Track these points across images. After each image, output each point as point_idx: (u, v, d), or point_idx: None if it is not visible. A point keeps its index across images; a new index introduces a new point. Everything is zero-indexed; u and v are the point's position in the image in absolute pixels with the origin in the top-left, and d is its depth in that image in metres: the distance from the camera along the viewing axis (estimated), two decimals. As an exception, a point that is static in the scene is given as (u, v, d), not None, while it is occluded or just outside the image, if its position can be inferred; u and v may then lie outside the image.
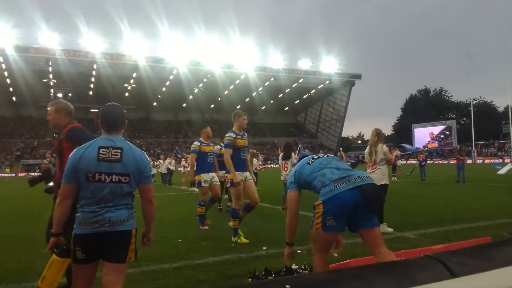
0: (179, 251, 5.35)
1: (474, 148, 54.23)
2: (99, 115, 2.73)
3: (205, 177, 7.14)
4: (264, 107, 76.00)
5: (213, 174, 7.43)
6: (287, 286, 1.21)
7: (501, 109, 74.85)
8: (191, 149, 7.41)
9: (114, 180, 2.49)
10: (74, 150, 2.57)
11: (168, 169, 21.11)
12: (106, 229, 2.45)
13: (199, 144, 7.24)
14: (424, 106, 79.76)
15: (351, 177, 2.94)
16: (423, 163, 19.07)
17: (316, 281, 1.29)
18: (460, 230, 6.20)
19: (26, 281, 4.19)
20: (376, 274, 1.34)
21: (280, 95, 73.84)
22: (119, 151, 2.54)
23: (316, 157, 3.27)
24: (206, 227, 7.08)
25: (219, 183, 7.69)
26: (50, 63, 53.07)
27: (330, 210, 2.85)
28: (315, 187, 3.05)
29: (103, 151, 2.51)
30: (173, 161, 21.92)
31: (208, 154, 7.32)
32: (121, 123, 2.68)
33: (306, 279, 1.35)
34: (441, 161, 54.73)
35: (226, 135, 5.94)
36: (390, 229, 6.32)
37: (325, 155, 3.33)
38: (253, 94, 70.29)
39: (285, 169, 9.56)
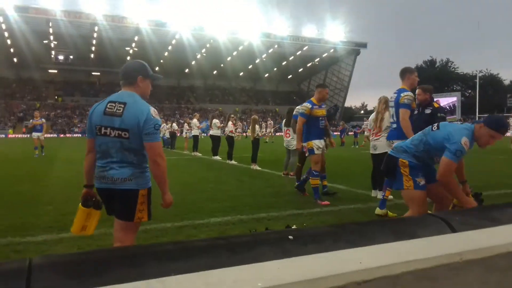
0: (180, 211, 5.41)
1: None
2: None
3: (317, 143, 6.20)
4: (267, 74, 75.04)
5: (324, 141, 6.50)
6: (290, 236, 1.22)
7: (507, 82, 73.87)
8: (300, 111, 6.42)
9: (115, 135, 2.47)
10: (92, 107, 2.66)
11: (171, 133, 21.10)
12: (109, 185, 2.51)
13: (310, 106, 6.22)
14: (429, 77, 78.43)
15: None
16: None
17: (318, 234, 1.30)
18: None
19: (30, 235, 4.27)
20: (377, 229, 1.34)
21: (283, 63, 72.71)
22: (122, 105, 2.48)
23: None
24: (326, 202, 6.03)
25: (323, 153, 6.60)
26: (50, 24, 52.07)
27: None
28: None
29: (110, 105, 2.51)
30: (175, 125, 21.87)
31: (320, 118, 6.36)
32: (128, 77, 2.61)
33: (308, 232, 1.35)
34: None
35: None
36: (390, 196, 6.35)
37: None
38: (257, 61, 69.22)
39: (287, 135, 9.50)
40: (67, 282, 0.96)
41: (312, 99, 6.30)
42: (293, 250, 1.16)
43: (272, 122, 37.12)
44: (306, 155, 6.32)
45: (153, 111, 2.52)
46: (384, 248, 0.96)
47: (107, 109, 2.49)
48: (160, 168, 2.54)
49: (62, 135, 52.26)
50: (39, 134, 15.02)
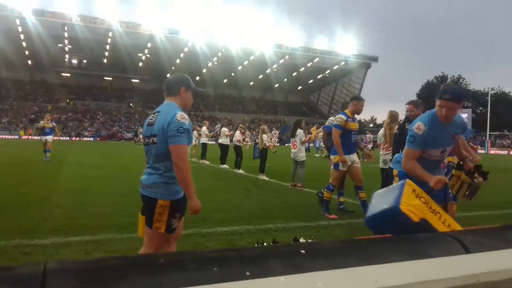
0: (187, 219, 5.39)
1: (488, 138, 53.35)
2: None
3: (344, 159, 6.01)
4: (277, 84, 75.30)
5: (355, 156, 6.30)
6: (302, 251, 1.21)
7: (519, 100, 73.09)
8: (334, 123, 6.07)
9: (150, 142, 2.63)
10: None
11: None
12: (141, 191, 2.66)
13: (345, 118, 6.00)
14: (440, 93, 78.01)
15: None
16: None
17: (329, 248, 1.29)
18: (468, 217, 6.15)
19: (38, 237, 4.30)
20: (390, 245, 1.33)
21: (294, 74, 72.95)
22: (157, 113, 2.65)
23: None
24: (334, 215, 6.00)
25: (360, 166, 6.40)
26: (66, 29, 53.01)
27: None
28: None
29: (152, 116, 2.69)
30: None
31: (353, 132, 6.16)
32: (172, 87, 2.74)
33: (320, 246, 1.34)
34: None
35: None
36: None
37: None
38: (267, 71, 69.54)
39: (294, 147, 9.52)
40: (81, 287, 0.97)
41: (347, 111, 6.08)
42: (304, 264, 1.15)
43: (277, 132, 37.05)
44: (332, 167, 6.11)
45: (179, 115, 2.52)
46: (399, 267, 0.96)
47: (149, 121, 2.70)
48: (181, 172, 2.51)
49: (75, 138, 52.58)
50: (48, 137, 14.55)
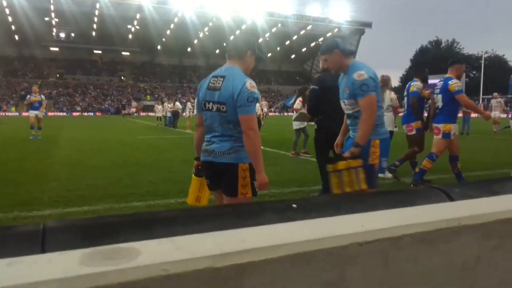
0: (184, 188, 5.45)
1: (481, 102, 53.57)
2: None
3: (454, 128, 5.51)
4: (270, 54, 74.32)
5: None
6: (293, 205, 1.25)
7: (512, 63, 72.96)
8: (458, 88, 5.41)
9: (215, 109, 2.49)
10: None
11: (174, 112, 21.11)
12: (211, 159, 2.53)
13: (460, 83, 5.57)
14: (434, 58, 77.57)
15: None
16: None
17: (320, 203, 1.34)
18: (460, 179, 6.28)
19: (36, 209, 4.35)
20: (379, 198, 1.38)
21: (287, 42, 71.97)
22: (222, 79, 2.49)
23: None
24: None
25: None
26: (51, 1, 51.48)
27: (384, 150, 2.96)
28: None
29: (213, 79, 2.54)
30: (178, 104, 21.84)
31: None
32: (239, 50, 2.61)
33: (311, 201, 1.39)
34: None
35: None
36: (390, 175, 6.43)
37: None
38: (260, 40, 68.47)
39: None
40: (80, 243, 1.01)
41: (452, 76, 5.49)
42: (297, 217, 1.20)
43: (266, 102, 36.71)
44: (439, 137, 5.48)
45: (249, 83, 2.44)
46: (385, 213, 1.00)
47: (210, 84, 2.53)
48: (251, 142, 2.41)
49: (74, 114, 52.11)
50: (37, 112, 13.22)
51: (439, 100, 5.53)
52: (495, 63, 72.58)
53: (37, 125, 13.29)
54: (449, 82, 5.34)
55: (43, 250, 0.94)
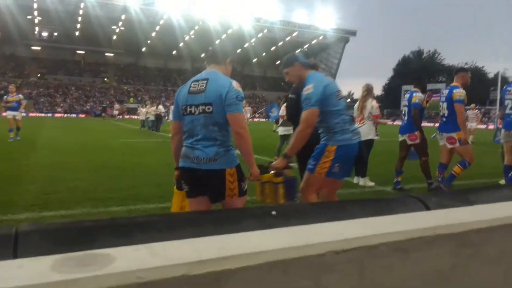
0: (164, 193, 5.42)
1: (460, 113, 54.81)
2: None
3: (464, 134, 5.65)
4: (256, 59, 74.63)
5: None
6: (273, 212, 1.26)
7: (491, 75, 75.02)
8: (462, 98, 5.47)
9: (200, 111, 2.47)
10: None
11: (157, 115, 20.93)
12: (194, 166, 2.47)
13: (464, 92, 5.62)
14: (416, 68, 79.18)
15: (357, 130, 3.22)
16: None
17: (300, 210, 1.34)
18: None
19: (11, 213, 4.24)
20: (359, 206, 1.39)
21: (272, 48, 72.37)
22: (205, 81, 2.50)
23: (339, 95, 3.17)
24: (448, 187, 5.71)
25: None
26: (34, -1, 50.64)
27: (341, 157, 3.01)
28: (331, 125, 3.05)
29: (193, 84, 2.54)
30: (161, 107, 21.64)
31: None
32: (212, 57, 2.68)
33: (291, 208, 1.39)
34: (427, 124, 55.35)
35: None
36: (372, 183, 6.50)
37: (342, 94, 3.30)
38: (246, 45, 68.71)
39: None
40: (54, 248, 0.98)
41: (458, 85, 5.64)
42: (277, 224, 1.20)
43: (250, 108, 36.68)
44: (457, 145, 5.55)
45: (235, 83, 2.50)
46: (364, 221, 1.01)
47: (191, 88, 2.53)
48: (244, 140, 2.48)
49: (57, 115, 51.07)
50: (15, 113, 12.37)
51: (444, 108, 5.66)
52: (475, 74, 74.39)
53: (15, 126, 12.56)
54: (454, 90, 5.53)
55: (15, 255, 0.91)
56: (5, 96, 12.85)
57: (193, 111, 2.48)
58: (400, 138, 6.29)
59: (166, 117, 23.64)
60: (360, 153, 6.84)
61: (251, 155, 2.58)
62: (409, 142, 6.15)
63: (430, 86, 68.63)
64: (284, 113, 9.56)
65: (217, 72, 2.57)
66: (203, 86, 2.49)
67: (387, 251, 0.90)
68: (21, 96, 12.92)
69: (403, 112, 6.37)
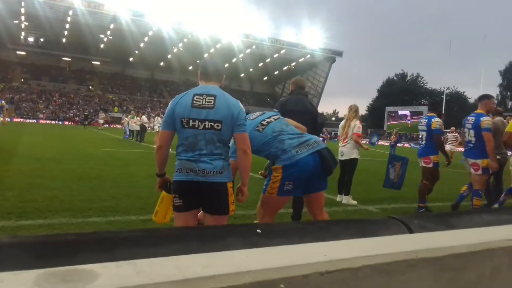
0: (146, 205, 5.35)
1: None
2: (199, 67, 2.72)
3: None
4: (243, 74, 75.15)
5: None
6: (258, 230, 1.26)
7: (471, 100, 77.15)
8: (488, 126, 5.50)
9: (207, 126, 2.46)
10: (173, 99, 2.61)
11: (141, 126, 20.80)
12: (200, 178, 2.45)
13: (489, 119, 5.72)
14: (399, 90, 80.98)
15: (309, 142, 3.06)
16: (394, 144, 19.74)
17: (285, 229, 1.35)
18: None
19: (-12, 220, 4.11)
20: (343, 227, 1.41)
21: (260, 64, 73.10)
22: (213, 98, 2.50)
23: (265, 123, 3.19)
24: None
25: None
26: (22, 4, 50.11)
27: (291, 175, 2.98)
28: (271, 153, 3.09)
29: (197, 98, 2.51)
30: (144, 118, 21.56)
31: None
32: (214, 74, 2.67)
33: (275, 227, 1.39)
34: (406, 145, 56.31)
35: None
36: (355, 202, 6.55)
37: (272, 119, 3.24)
38: (234, 60, 69.21)
39: None
40: (36, 262, 0.96)
41: (483, 112, 5.70)
42: (261, 242, 1.20)
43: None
44: (478, 172, 5.58)
45: (239, 102, 2.62)
46: (348, 243, 1.02)
47: (195, 102, 2.49)
48: (247, 159, 2.59)
49: (42, 121, 50.14)
50: None
51: (471, 135, 5.70)
52: (456, 99, 76.53)
53: None
54: (481, 118, 5.57)
55: (-7, 268, 0.89)
56: None
57: (196, 125, 2.47)
58: (420, 162, 6.29)
59: (150, 129, 23.59)
60: (344, 171, 6.87)
61: (248, 174, 2.68)
62: (421, 164, 6.19)
63: (413, 109, 70.38)
64: None
65: (220, 89, 2.61)
66: (210, 102, 2.49)
67: (371, 274, 0.91)
68: (3, 102, 12.05)
69: (420, 136, 6.40)
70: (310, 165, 2.97)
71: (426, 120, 6.22)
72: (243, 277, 0.79)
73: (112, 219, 4.53)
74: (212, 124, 2.46)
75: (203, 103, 2.49)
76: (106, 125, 39.99)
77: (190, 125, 2.47)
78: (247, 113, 2.94)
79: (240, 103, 2.60)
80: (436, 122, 6.07)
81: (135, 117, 22.50)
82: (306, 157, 2.96)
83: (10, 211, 4.54)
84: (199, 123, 2.46)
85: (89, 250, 1.02)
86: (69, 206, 5.00)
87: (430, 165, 6.08)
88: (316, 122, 4.44)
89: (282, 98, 4.97)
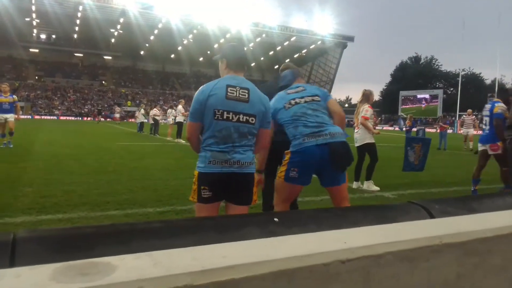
0: (162, 197, 5.40)
1: (457, 118, 55.05)
2: (225, 53, 2.63)
3: None
4: (254, 63, 74.78)
5: None
6: (275, 219, 1.24)
7: (488, 81, 75.44)
8: (499, 111, 5.78)
9: (241, 120, 2.45)
10: (199, 89, 2.54)
11: (154, 119, 20.95)
12: (235, 170, 2.44)
13: None
14: (413, 74, 79.60)
15: (322, 133, 2.99)
16: (409, 129, 19.42)
17: (302, 217, 1.32)
18: (437, 193, 6.40)
19: (8, 216, 4.20)
20: (361, 214, 1.38)
21: (271, 53, 72.59)
22: (246, 91, 2.50)
23: (293, 102, 3.16)
24: None
25: None
26: (33, 1, 50.60)
27: (295, 161, 3.00)
28: (288, 134, 3.13)
29: (230, 89, 2.46)
30: (157, 111, 21.69)
31: None
32: (243, 64, 2.66)
33: (293, 215, 1.37)
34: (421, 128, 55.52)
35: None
36: (376, 188, 6.48)
37: (303, 100, 3.17)
38: (244, 49, 68.70)
39: None
40: (53, 255, 0.96)
41: (500, 100, 5.92)
42: (279, 231, 1.18)
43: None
44: (499, 152, 5.71)
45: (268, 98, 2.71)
46: (368, 230, 0.99)
47: (229, 94, 2.44)
48: (266, 153, 2.93)
49: (62, 118, 51.24)
50: (7, 115, 10.70)
51: (487, 122, 5.99)
52: (472, 80, 74.88)
53: (8, 131, 10.87)
54: (496, 104, 5.87)
55: (12, 263, 0.89)
56: None
57: (230, 118, 2.43)
58: (481, 147, 6.18)
59: (164, 121, 23.82)
60: (360, 158, 6.78)
61: (262, 165, 3.02)
62: (490, 152, 6.04)
63: (428, 92, 69.20)
64: None
65: (251, 82, 2.60)
66: (245, 95, 2.48)
67: (393, 261, 0.88)
68: (15, 97, 11.18)
69: (484, 122, 6.30)
70: (315, 156, 2.94)
71: (490, 105, 6.10)
72: (263, 267, 0.78)
73: (130, 212, 4.58)
74: (247, 118, 2.46)
75: (237, 95, 2.45)
76: (120, 120, 40.40)
77: (225, 117, 2.42)
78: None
79: (268, 99, 2.65)
80: (499, 106, 5.95)
81: (142, 109, 23.26)
82: (311, 147, 2.93)
83: (30, 206, 4.62)
84: (234, 115, 2.43)
85: (106, 243, 1.02)
86: (87, 200, 5.07)
87: (499, 151, 5.90)
88: None
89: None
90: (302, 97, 3.20)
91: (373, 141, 6.79)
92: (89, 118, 51.65)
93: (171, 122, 19.24)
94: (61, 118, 51.83)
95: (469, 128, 16.43)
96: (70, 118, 52.63)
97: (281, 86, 3.42)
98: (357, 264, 0.86)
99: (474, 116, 17.50)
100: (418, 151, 6.15)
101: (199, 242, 0.98)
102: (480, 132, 6.25)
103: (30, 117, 48.95)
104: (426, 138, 6.21)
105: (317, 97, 3.23)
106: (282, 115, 3.16)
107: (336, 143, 2.96)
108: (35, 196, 5.16)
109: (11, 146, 10.86)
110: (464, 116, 17.73)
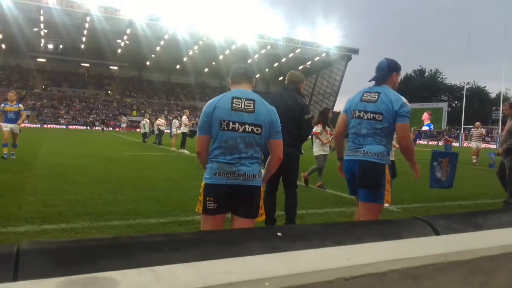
0: (166, 208, 5.39)
1: (462, 132, 54.80)
2: (230, 72, 2.73)
3: None
4: (259, 74, 75.12)
5: None
6: (278, 233, 1.23)
7: (493, 95, 75.29)
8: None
9: (247, 130, 2.48)
10: (207, 103, 2.61)
11: (159, 129, 21.01)
12: (240, 182, 2.47)
13: None
14: (417, 86, 79.62)
15: (358, 150, 3.18)
16: (413, 141, 19.33)
17: (306, 232, 1.32)
18: (442, 207, 6.36)
19: (12, 225, 4.20)
20: (365, 229, 1.37)
21: (276, 64, 72.93)
22: (252, 102, 2.53)
23: (355, 115, 3.24)
24: None
25: None
26: (42, 12, 51.32)
27: (343, 169, 3.34)
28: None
29: (236, 101, 2.52)
30: (162, 121, 21.75)
31: None
32: (249, 74, 2.70)
33: (297, 230, 1.37)
34: (423, 142, 55.29)
35: None
36: (386, 204, 6.42)
37: (365, 115, 3.15)
38: (249, 61, 69.22)
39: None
40: (56, 268, 0.96)
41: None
42: (282, 246, 1.18)
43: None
44: None
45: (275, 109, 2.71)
46: (372, 247, 0.99)
47: (234, 105, 2.50)
48: (279, 164, 2.71)
49: (71, 127, 51.75)
50: (12, 125, 10.26)
51: None
52: (476, 93, 74.76)
53: (11, 141, 10.44)
54: None
55: (15, 276, 0.89)
56: (2, 104, 10.64)
57: (236, 128, 2.47)
58: None
59: (168, 131, 23.87)
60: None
61: (271, 174, 2.84)
62: None
63: (432, 105, 69.03)
64: (319, 130, 7.94)
65: (257, 94, 2.62)
66: (250, 106, 2.51)
67: (397, 278, 0.87)
68: (21, 106, 10.71)
69: None
70: (346, 169, 3.26)
71: None
72: (265, 284, 0.77)
73: (133, 222, 4.57)
74: (253, 128, 2.48)
75: (243, 106, 2.50)
76: (124, 130, 40.67)
77: (230, 127, 2.47)
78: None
79: (275, 110, 2.63)
80: None
81: (145, 119, 23.68)
82: (346, 160, 3.25)
83: (34, 215, 4.63)
84: (239, 125, 2.47)
85: (109, 256, 1.01)
86: (91, 210, 5.07)
87: None
88: (301, 118, 4.27)
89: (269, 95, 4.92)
90: (366, 111, 3.17)
91: (393, 158, 6.76)
92: (97, 128, 52.11)
93: (175, 133, 19.28)
94: (70, 127, 52.28)
95: (478, 141, 16.20)
96: (80, 127, 53.13)
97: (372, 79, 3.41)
98: (361, 282, 0.85)
99: (482, 129, 17.21)
100: (445, 166, 6.08)
101: (201, 256, 0.98)
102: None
103: (39, 126, 49.37)
104: (453, 152, 6.13)
105: (375, 114, 3.12)
106: (346, 122, 3.37)
107: (362, 161, 3.16)
108: (38, 205, 5.16)
109: (13, 157, 10.49)
110: (472, 129, 17.46)
